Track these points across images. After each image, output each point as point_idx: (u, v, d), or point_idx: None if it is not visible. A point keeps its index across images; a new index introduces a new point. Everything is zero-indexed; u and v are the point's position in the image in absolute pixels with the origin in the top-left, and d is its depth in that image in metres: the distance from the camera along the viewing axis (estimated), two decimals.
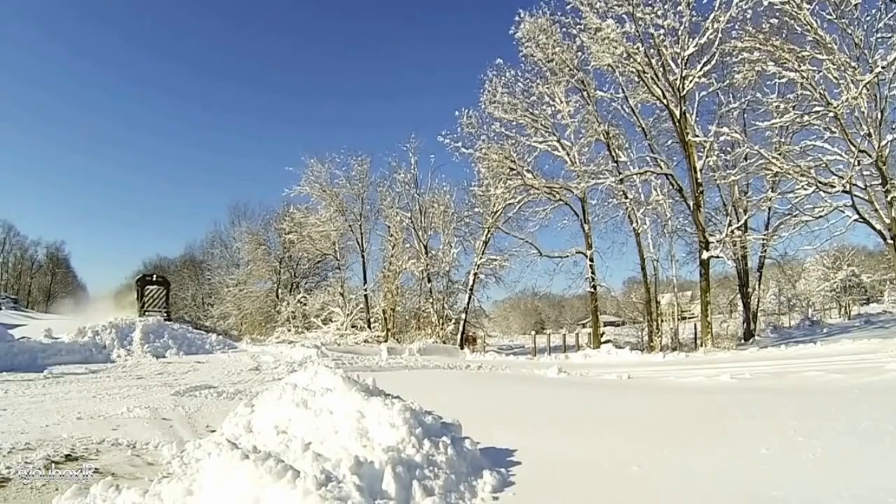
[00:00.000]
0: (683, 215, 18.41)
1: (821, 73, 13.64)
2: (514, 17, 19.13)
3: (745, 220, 17.23)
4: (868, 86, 13.01)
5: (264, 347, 17.13)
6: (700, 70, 15.92)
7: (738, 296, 21.66)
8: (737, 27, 15.13)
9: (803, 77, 13.67)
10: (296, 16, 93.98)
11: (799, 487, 2.71)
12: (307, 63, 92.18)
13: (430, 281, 23.33)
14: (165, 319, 21.22)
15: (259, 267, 28.87)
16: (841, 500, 2.54)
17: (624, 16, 16.08)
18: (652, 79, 16.47)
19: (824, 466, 3.04)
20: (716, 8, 15.21)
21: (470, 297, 22.05)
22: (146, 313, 21.11)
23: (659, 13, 15.71)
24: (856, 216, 14.07)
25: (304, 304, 25.84)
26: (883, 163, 13.37)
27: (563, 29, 18.13)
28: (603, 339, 19.25)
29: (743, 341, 18.22)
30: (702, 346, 16.11)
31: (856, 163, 13.39)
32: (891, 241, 13.61)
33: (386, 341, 21.42)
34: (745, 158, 15.85)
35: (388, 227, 24.61)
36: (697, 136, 16.48)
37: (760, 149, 15.21)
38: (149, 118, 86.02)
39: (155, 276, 26.01)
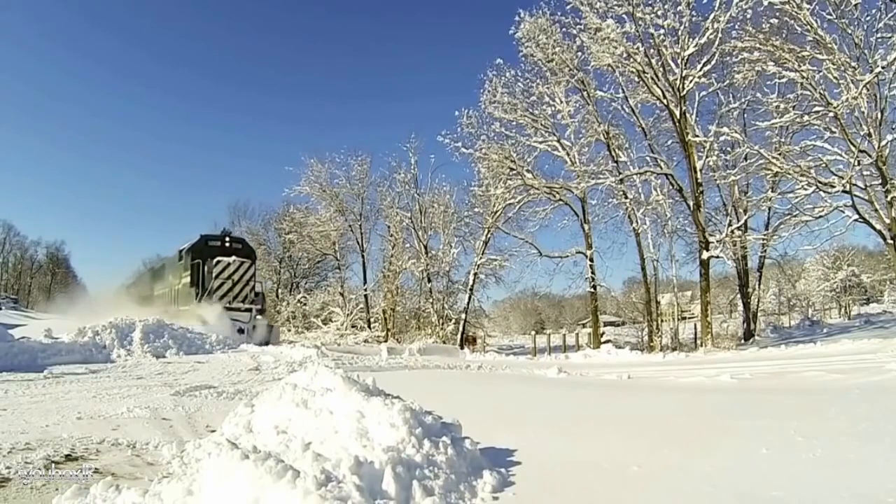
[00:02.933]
0: (683, 215, 18.45)
1: (821, 73, 13.64)
2: (514, 17, 19.16)
3: (745, 220, 17.24)
4: (868, 86, 13.01)
5: (264, 347, 17.11)
6: (700, 70, 15.93)
7: (738, 296, 21.68)
8: (737, 27, 15.16)
9: (803, 77, 13.68)
10: (296, 16, 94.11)
11: (799, 487, 2.71)
12: (307, 63, 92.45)
13: (430, 281, 23.34)
14: (263, 324, 15.13)
15: (259, 267, 28.87)
16: (841, 500, 2.54)
17: (624, 16, 16.08)
18: (652, 79, 16.47)
19: (824, 466, 3.04)
20: (716, 8, 15.23)
21: (470, 297, 22.07)
22: (230, 309, 14.06)
23: (659, 13, 15.72)
24: (856, 216, 14.08)
25: (304, 304, 25.87)
26: (883, 163, 13.37)
27: (563, 29, 18.16)
28: (603, 339, 19.26)
29: (743, 341, 18.23)
30: (702, 346, 16.11)
31: (856, 163, 13.39)
32: (891, 241, 13.62)
33: (386, 341, 21.43)
34: (745, 158, 15.87)
35: (388, 227, 24.64)
36: (697, 136, 16.48)
37: (760, 149, 15.22)
38: (149, 118, 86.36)
39: (229, 238, 15.88)
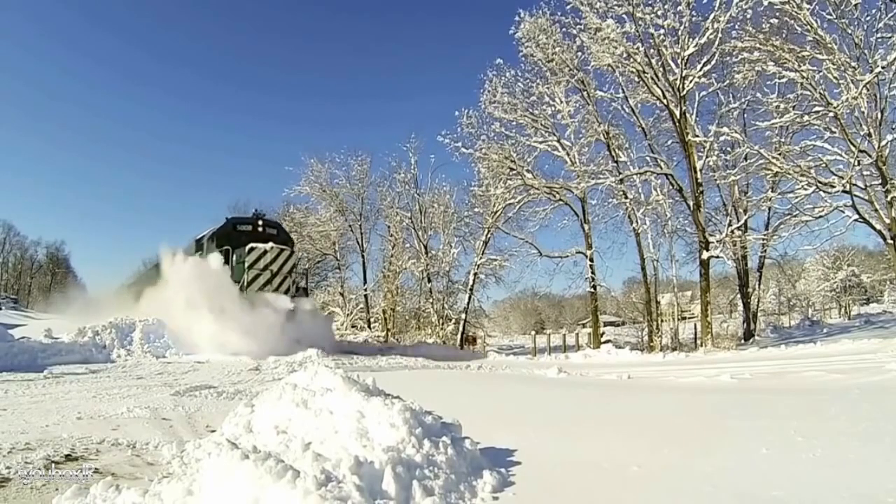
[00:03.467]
0: (683, 215, 18.43)
1: (821, 73, 13.64)
2: (514, 17, 19.13)
3: (745, 220, 17.23)
4: (868, 86, 13.01)
5: None
6: (700, 70, 15.93)
7: (738, 296, 21.68)
8: (737, 27, 15.15)
9: (803, 77, 13.68)
10: (296, 16, 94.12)
11: (799, 487, 2.71)
12: (307, 63, 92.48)
13: (430, 281, 23.34)
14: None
15: None
16: (841, 500, 2.54)
17: (624, 16, 16.08)
18: (652, 79, 16.47)
19: (824, 466, 3.04)
20: (716, 8, 15.22)
21: (470, 297, 22.04)
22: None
23: (659, 13, 15.72)
24: (856, 216, 14.08)
25: None
26: (883, 163, 13.37)
27: (563, 29, 18.14)
28: (603, 339, 19.25)
29: (743, 341, 18.22)
30: (702, 346, 16.11)
31: (856, 163, 13.39)
32: (891, 241, 13.61)
33: (386, 341, 21.42)
34: (745, 158, 15.86)
35: (388, 227, 24.64)
36: (697, 136, 16.48)
37: (760, 149, 15.22)
38: (149, 118, 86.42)
39: (262, 222, 13.56)
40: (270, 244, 12.34)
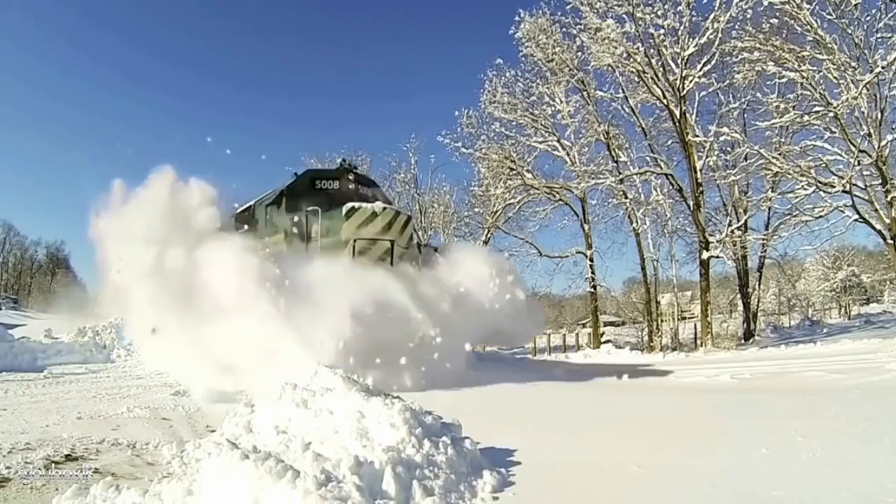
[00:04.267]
0: (683, 215, 18.44)
1: (821, 73, 13.63)
2: (514, 17, 19.14)
3: (745, 220, 17.21)
4: (868, 86, 13.00)
5: None
6: (700, 70, 15.91)
7: (738, 296, 21.67)
8: (737, 27, 15.13)
9: (803, 77, 13.67)
10: (296, 16, 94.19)
11: (799, 487, 2.71)
12: (307, 63, 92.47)
13: None
14: None
15: None
16: (841, 500, 2.54)
17: (624, 16, 16.07)
18: (652, 79, 16.46)
19: (824, 466, 3.04)
20: (716, 8, 15.21)
21: None
22: None
23: (659, 13, 15.70)
24: (856, 216, 14.07)
25: None
26: (883, 163, 13.36)
27: (563, 29, 18.14)
28: (603, 339, 19.27)
29: (743, 341, 18.22)
30: (702, 346, 16.11)
31: (856, 163, 13.38)
32: (891, 241, 13.61)
33: None
34: (745, 158, 15.85)
35: None
36: (697, 136, 16.47)
37: (760, 149, 15.20)
38: (149, 118, 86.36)
39: (352, 176, 9.19)
40: (379, 203, 8.04)
